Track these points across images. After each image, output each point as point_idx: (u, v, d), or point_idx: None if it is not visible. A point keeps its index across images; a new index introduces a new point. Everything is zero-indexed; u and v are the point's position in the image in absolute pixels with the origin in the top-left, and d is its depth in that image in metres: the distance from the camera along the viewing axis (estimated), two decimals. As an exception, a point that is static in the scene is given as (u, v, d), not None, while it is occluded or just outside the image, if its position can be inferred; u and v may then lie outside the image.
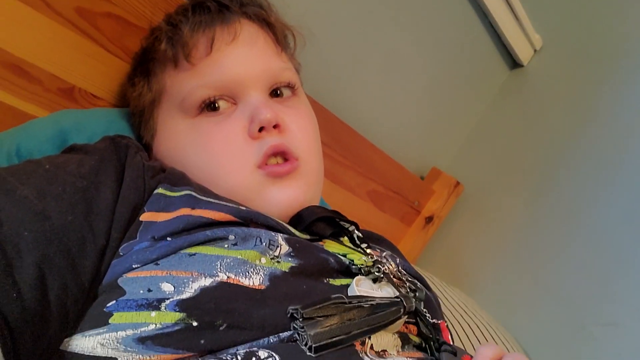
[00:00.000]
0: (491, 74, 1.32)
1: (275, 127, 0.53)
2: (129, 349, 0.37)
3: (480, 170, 1.25)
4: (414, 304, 0.45)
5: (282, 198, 0.51)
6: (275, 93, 0.57)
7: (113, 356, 0.37)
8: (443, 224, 1.20)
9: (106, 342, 0.37)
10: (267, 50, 0.57)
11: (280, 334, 0.39)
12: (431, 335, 0.46)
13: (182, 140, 0.54)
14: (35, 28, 0.60)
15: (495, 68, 1.32)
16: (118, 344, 0.37)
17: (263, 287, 0.41)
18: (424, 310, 0.47)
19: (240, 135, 0.52)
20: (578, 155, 1.08)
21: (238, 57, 0.54)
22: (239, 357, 0.37)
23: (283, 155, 0.53)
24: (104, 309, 0.39)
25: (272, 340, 0.39)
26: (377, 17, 1.04)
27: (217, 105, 0.54)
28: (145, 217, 0.45)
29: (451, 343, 0.48)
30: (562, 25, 1.27)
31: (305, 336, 0.38)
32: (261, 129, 0.52)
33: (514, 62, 1.33)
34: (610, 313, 0.90)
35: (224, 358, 0.37)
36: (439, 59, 1.19)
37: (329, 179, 0.98)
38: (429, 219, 1.17)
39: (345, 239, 0.53)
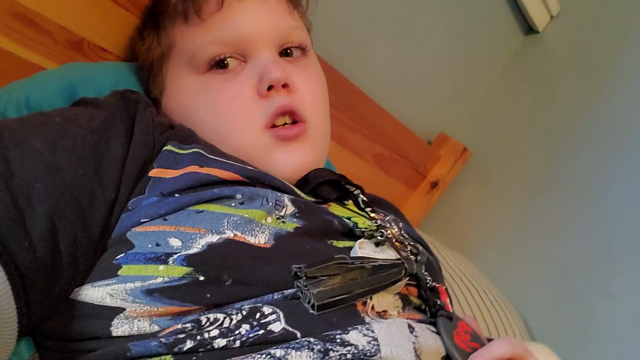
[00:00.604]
0: (505, 39, 1.30)
1: (284, 86, 0.52)
2: (137, 300, 0.38)
3: (488, 137, 1.25)
4: (415, 266, 0.46)
5: (289, 161, 0.51)
6: (285, 52, 0.56)
7: (121, 306, 0.39)
8: (448, 189, 1.21)
9: (115, 293, 0.39)
10: (279, 7, 0.56)
11: (284, 291, 0.40)
12: (430, 298, 0.47)
13: (190, 97, 0.54)
14: (45, -22, 0.59)
15: (510, 33, 1.29)
16: (126, 295, 0.39)
17: (268, 245, 0.42)
18: (425, 273, 0.48)
19: (248, 94, 0.52)
20: (589, 128, 1.07)
21: (249, 13, 0.53)
22: (244, 312, 0.38)
23: (291, 115, 0.53)
24: (113, 261, 0.40)
25: (276, 297, 0.40)
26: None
27: (226, 62, 0.53)
28: (154, 172, 0.45)
29: (449, 306, 0.49)
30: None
31: (308, 294, 0.39)
32: (270, 88, 0.52)
33: (529, 28, 1.30)
34: (610, 284, 0.91)
35: (228, 312, 0.38)
36: (453, 22, 1.17)
37: (335, 140, 0.97)
38: (434, 184, 1.18)
39: (350, 203, 0.54)
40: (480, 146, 1.22)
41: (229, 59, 0.53)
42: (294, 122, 0.53)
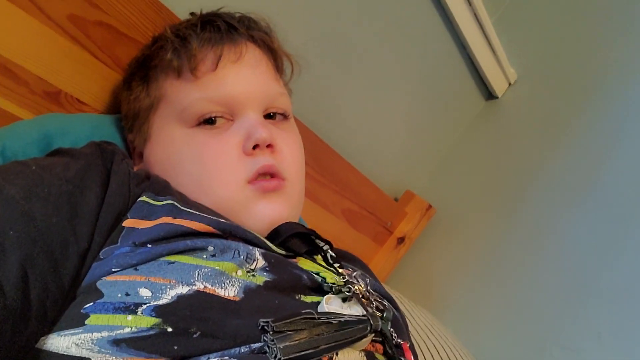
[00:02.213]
0: (467, 103, 1.37)
1: (268, 146, 0.55)
2: (102, 350, 0.38)
3: (451, 194, 1.29)
4: (380, 323, 0.47)
5: (267, 212, 0.53)
6: (269, 115, 0.59)
7: (87, 356, 0.38)
8: (414, 245, 1.23)
9: (81, 343, 0.38)
10: (268, 74, 0.60)
11: (252, 345, 0.40)
12: (394, 356, 0.47)
13: (177, 148, 0.56)
14: (26, 31, 0.61)
15: (471, 98, 1.37)
16: (92, 345, 0.38)
17: (237, 298, 0.42)
18: (391, 330, 0.49)
19: (234, 150, 0.54)
20: (544, 185, 1.13)
21: (241, 76, 0.57)
22: (211, 366, 0.38)
23: (272, 175, 0.55)
24: (81, 310, 0.40)
25: (242, 351, 0.40)
26: (362, 44, 1.07)
27: (214, 119, 0.56)
28: (128, 223, 0.46)
29: (412, 364, 0.50)
30: (535, 61, 1.33)
31: (274, 349, 0.39)
32: (255, 147, 0.54)
33: (489, 94, 1.38)
34: (572, 337, 0.93)
35: (195, 365, 0.38)
36: (419, 86, 1.23)
37: (307, 196, 0.98)
38: (401, 240, 1.20)
39: (319, 257, 0.55)
40: (444, 203, 1.26)
41: (218, 117, 0.56)
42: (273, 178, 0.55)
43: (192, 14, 0.65)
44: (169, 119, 0.57)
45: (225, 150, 0.54)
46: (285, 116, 0.61)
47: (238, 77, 0.57)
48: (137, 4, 0.68)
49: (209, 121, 0.56)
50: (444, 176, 1.34)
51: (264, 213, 0.53)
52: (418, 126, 1.28)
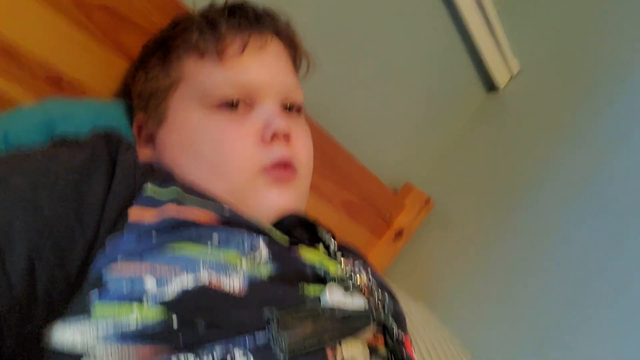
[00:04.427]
0: (469, 95, 1.37)
1: (285, 137, 0.56)
2: (108, 339, 0.38)
3: (452, 188, 1.29)
4: (382, 315, 0.47)
5: (277, 202, 0.54)
6: (285, 107, 0.60)
7: (92, 345, 0.38)
8: (412, 238, 1.23)
9: (86, 332, 0.38)
10: (288, 67, 0.62)
11: (256, 335, 0.40)
12: (396, 348, 0.48)
13: (195, 129, 0.56)
14: (30, 14, 0.60)
15: (473, 90, 1.37)
16: (98, 334, 0.38)
17: (242, 289, 0.42)
18: (392, 322, 0.50)
19: (252, 137, 0.55)
20: (546, 180, 1.13)
21: (265, 65, 0.58)
22: (215, 355, 0.38)
23: (286, 166, 0.56)
24: (87, 300, 0.40)
25: (248, 341, 0.40)
26: (365, 34, 1.07)
27: (236, 103, 0.56)
28: (133, 213, 0.45)
29: (413, 357, 0.50)
30: (539, 52, 1.32)
31: (279, 340, 0.40)
32: (273, 137, 0.55)
33: (491, 85, 1.38)
34: (569, 335, 0.93)
35: (200, 354, 0.38)
36: (421, 78, 1.23)
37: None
38: (399, 233, 1.20)
39: (321, 247, 0.55)
40: (444, 196, 1.26)
41: (238, 103, 0.56)
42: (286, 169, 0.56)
43: (212, 1, 0.65)
44: (189, 100, 0.57)
45: (245, 136, 0.55)
46: (299, 110, 0.62)
47: (262, 65, 0.58)
48: (141, -12, 0.67)
49: (231, 104, 0.56)
50: (444, 169, 1.34)
51: (274, 201, 0.54)
52: (419, 118, 1.28)
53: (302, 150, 0.59)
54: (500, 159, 1.25)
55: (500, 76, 1.34)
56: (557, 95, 1.23)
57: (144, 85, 0.61)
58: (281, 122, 0.55)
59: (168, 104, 0.59)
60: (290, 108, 0.61)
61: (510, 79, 1.36)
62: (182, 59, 0.59)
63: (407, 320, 0.61)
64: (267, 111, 0.57)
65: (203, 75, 0.57)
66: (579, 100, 1.17)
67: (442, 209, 1.25)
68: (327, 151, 1.01)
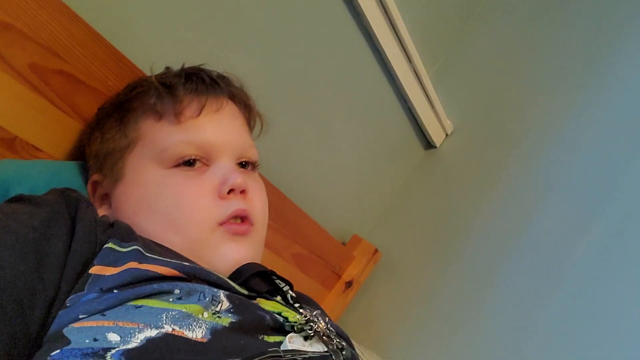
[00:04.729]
0: (408, 152, 1.46)
1: (242, 192, 0.59)
2: None
3: (396, 239, 1.34)
4: (342, 359, 0.49)
5: (234, 255, 0.56)
6: (241, 164, 0.64)
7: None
8: (362, 288, 1.26)
9: None
10: (243, 127, 0.66)
11: (220, 385, 0.41)
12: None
13: (153, 187, 0.58)
14: (-15, 79, 0.61)
15: (412, 148, 1.46)
16: None
17: (205, 340, 0.43)
18: (350, 368, 0.52)
19: (210, 193, 0.57)
20: (483, 227, 1.20)
21: (221, 125, 0.62)
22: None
23: (243, 219, 0.59)
24: (48, 358, 0.39)
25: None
26: (312, 94, 1.13)
27: (193, 161, 0.59)
28: (94, 270, 0.46)
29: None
30: (470, 114, 1.44)
31: (244, 388, 0.41)
32: (229, 192, 0.58)
33: (428, 143, 1.47)
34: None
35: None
36: (364, 137, 1.30)
37: (258, 241, 1.01)
38: (349, 284, 1.23)
39: (279, 298, 0.57)
40: (390, 247, 1.31)
41: (197, 160, 0.59)
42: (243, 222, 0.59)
43: (167, 67, 0.69)
44: (147, 159, 0.59)
45: (201, 193, 0.57)
46: (254, 166, 0.66)
47: (219, 125, 0.61)
48: (98, 54, 0.70)
49: (188, 163, 0.58)
50: (389, 221, 1.39)
51: (231, 255, 0.56)
52: (364, 174, 1.34)
53: (258, 204, 0.62)
54: (439, 210, 1.32)
55: (436, 135, 1.44)
56: (487, 152, 1.34)
57: (101, 146, 0.63)
58: (238, 177, 0.58)
59: (125, 163, 0.60)
60: (245, 165, 0.64)
61: (446, 137, 1.47)
62: (139, 120, 0.61)
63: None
64: (224, 168, 0.59)
65: (161, 136, 0.59)
66: (506, 156, 1.28)
67: (389, 258, 1.30)
68: (278, 206, 1.04)
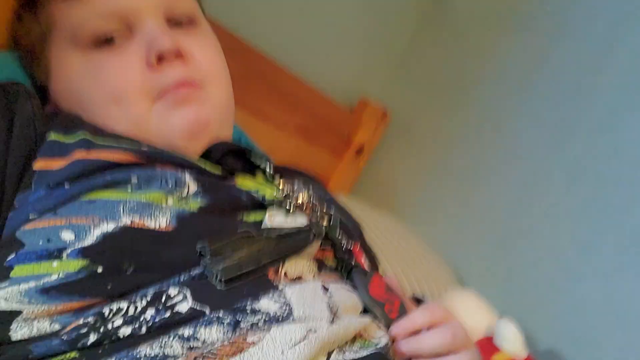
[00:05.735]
0: (414, 3, 1.31)
1: (177, 56, 0.49)
2: (32, 300, 0.37)
3: (408, 98, 1.27)
4: (323, 230, 0.46)
5: (183, 122, 0.49)
6: (175, 23, 0.52)
7: (18, 309, 0.37)
8: (373, 154, 1.22)
9: (9, 296, 0.37)
10: None
11: (191, 272, 0.39)
12: (345, 259, 0.47)
13: (77, 76, 0.50)
14: None
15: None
16: (21, 297, 0.37)
17: (170, 228, 0.40)
18: (340, 235, 0.49)
19: (137, 66, 0.48)
20: (494, 74, 1.12)
21: None
22: (148, 298, 0.37)
23: (189, 87, 0.50)
24: (4, 264, 0.38)
25: (182, 278, 0.39)
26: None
27: (112, 38, 0.49)
28: (38, 165, 0.42)
29: (364, 266, 0.50)
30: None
31: (213, 271, 0.38)
32: (161, 60, 0.48)
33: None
34: (527, 223, 0.97)
35: (132, 300, 0.37)
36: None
37: (254, 115, 0.96)
38: (359, 151, 1.19)
39: (259, 174, 0.53)
40: (401, 107, 1.24)
41: (115, 35, 0.50)
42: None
43: None
44: (63, 47, 0.51)
45: (127, 68, 0.48)
46: (192, 21, 0.54)
47: None
48: None
49: (107, 41, 0.50)
50: (398, 79, 1.31)
51: (180, 123, 0.48)
52: (366, 30, 1.23)
53: (203, 62, 0.51)
54: (451, 63, 1.22)
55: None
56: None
57: (24, 41, 0.55)
58: (165, 40, 0.48)
59: (47, 56, 0.52)
60: (179, 22, 0.53)
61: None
62: (46, 3, 0.52)
63: (371, 232, 0.60)
64: (149, 33, 0.49)
65: (69, 16, 0.50)
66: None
67: (400, 120, 1.24)
68: (271, 78, 0.97)
